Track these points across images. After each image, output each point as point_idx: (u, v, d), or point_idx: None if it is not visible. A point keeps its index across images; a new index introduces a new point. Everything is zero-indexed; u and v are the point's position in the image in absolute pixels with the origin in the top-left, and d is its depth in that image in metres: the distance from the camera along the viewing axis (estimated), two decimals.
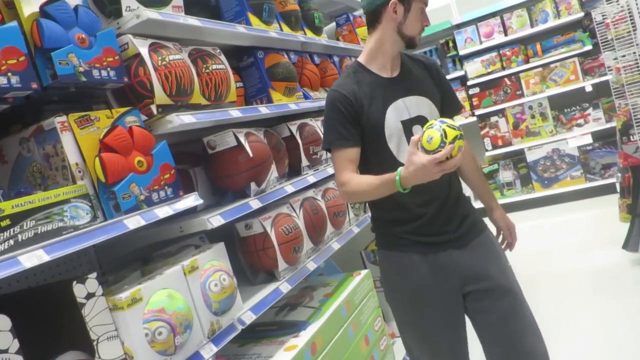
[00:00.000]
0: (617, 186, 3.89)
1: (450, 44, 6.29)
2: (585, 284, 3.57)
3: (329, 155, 2.66)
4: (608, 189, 5.41)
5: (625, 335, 2.77)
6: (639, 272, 3.48)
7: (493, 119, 6.01)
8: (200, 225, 1.66)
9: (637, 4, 3.25)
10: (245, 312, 1.73)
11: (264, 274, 2.06)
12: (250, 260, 2.04)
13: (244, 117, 2.00)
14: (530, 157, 5.79)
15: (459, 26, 6.09)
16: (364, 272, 2.59)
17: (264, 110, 2.14)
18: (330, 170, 2.58)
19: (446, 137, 1.40)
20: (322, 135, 2.59)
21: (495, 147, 6.01)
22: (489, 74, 5.94)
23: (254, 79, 2.40)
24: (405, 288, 1.76)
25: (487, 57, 5.97)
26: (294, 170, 2.45)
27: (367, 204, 1.84)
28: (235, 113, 1.93)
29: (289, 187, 2.17)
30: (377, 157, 1.72)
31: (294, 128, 2.44)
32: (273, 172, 2.09)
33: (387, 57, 1.77)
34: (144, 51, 1.62)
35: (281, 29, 2.56)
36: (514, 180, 5.94)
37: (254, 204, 1.91)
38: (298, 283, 2.06)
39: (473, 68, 6.02)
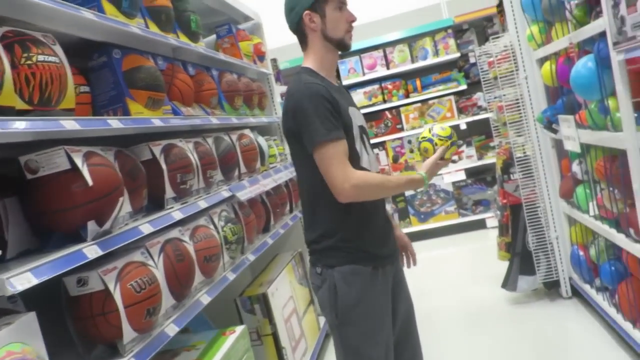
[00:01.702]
0: (496, 223, 3.90)
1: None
2: (460, 321, 3.46)
3: (201, 185, 2.18)
4: (479, 225, 5.59)
5: None
6: (514, 310, 3.44)
7: (374, 151, 5.94)
8: None
9: (519, 44, 3.28)
10: None
11: (103, 347, 1.50)
12: (84, 329, 1.46)
13: (84, 131, 1.46)
14: (408, 191, 5.80)
15: (343, 56, 5.97)
16: (239, 328, 2.12)
17: (115, 123, 1.61)
18: (203, 204, 2.10)
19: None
20: (195, 160, 2.12)
21: None
22: (371, 105, 5.89)
23: (106, 84, 1.86)
24: (369, 300, 1.71)
25: (369, 89, 5.92)
26: (156, 204, 1.93)
27: (311, 222, 1.77)
28: (69, 124, 1.38)
29: (146, 227, 1.66)
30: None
31: (157, 150, 1.92)
32: (124, 207, 1.57)
33: (330, 65, 1.79)
34: None
35: (147, 26, 2.06)
36: (393, 213, 5.87)
37: (90, 251, 1.36)
38: (152, 356, 1.54)
39: (356, 99, 5.87)
